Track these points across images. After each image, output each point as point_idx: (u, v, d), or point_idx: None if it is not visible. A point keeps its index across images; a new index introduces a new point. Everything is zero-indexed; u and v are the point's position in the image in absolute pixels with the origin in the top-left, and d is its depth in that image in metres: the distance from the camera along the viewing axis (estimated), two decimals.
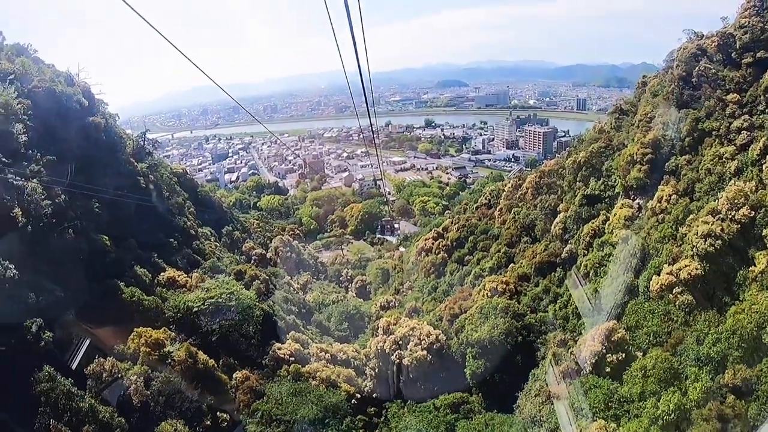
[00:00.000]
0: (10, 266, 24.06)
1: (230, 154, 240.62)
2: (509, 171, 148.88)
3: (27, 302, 24.23)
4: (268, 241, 73.22)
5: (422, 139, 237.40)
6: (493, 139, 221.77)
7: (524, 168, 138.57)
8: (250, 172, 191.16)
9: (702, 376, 20.51)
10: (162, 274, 36.78)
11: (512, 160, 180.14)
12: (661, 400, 20.39)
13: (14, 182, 29.31)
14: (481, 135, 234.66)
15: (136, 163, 47.54)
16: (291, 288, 55.10)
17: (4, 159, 29.64)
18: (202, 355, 27.38)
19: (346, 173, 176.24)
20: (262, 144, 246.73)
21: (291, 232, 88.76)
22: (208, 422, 25.34)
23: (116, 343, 27.74)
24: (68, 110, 40.28)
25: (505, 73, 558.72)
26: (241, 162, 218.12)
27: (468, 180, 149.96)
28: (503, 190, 64.34)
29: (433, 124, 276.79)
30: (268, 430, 26.19)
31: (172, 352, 27.52)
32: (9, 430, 20.21)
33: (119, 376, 24.49)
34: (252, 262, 56.21)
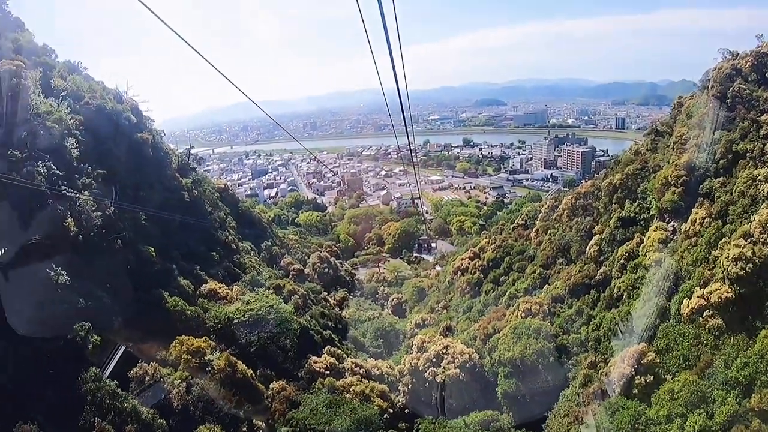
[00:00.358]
0: (62, 272, 26.31)
1: (270, 170, 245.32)
2: (547, 191, 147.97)
3: (77, 307, 26.39)
4: (305, 257, 75.02)
5: (460, 158, 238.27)
6: (531, 159, 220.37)
7: (562, 188, 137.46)
8: (289, 188, 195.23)
9: (729, 400, 20.59)
10: (204, 285, 38.64)
11: (550, 179, 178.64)
12: (687, 423, 20.59)
13: (67, 194, 31.93)
14: (519, 154, 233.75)
15: (181, 178, 50.26)
16: (327, 303, 56.55)
17: (58, 172, 32.31)
18: (240, 365, 28.89)
19: (384, 191, 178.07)
20: (302, 161, 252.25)
21: (328, 249, 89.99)
22: (245, 429, 26.71)
23: (158, 350, 29.69)
24: (118, 126, 42.93)
25: (544, 92, 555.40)
26: (281, 178, 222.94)
27: (505, 200, 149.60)
28: (539, 211, 64.52)
29: (471, 144, 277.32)
30: None
31: (212, 360, 29.16)
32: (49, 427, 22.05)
33: (160, 380, 26.23)
34: (290, 277, 57.88)
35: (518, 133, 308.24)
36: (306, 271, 66.80)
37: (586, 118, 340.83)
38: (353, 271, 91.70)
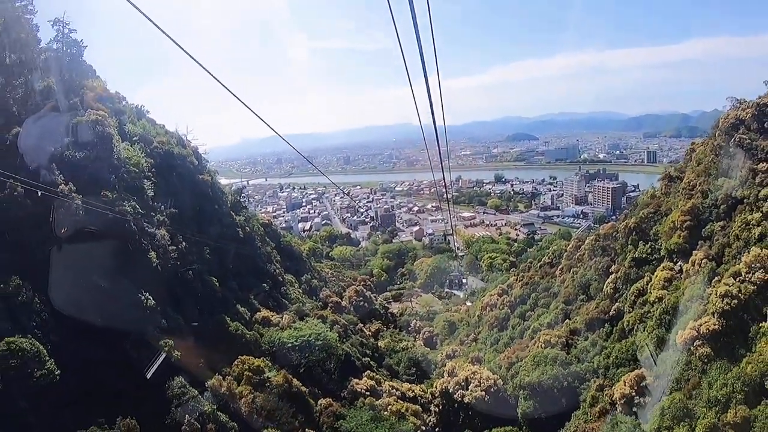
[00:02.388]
0: (149, 297, 32.20)
1: (304, 203, 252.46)
2: (577, 227, 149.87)
3: (160, 326, 32.15)
4: (341, 290, 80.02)
5: (492, 194, 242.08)
6: (562, 195, 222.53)
7: (592, 225, 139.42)
8: (323, 222, 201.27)
9: (709, 415, 24.39)
10: (258, 313, 44.14)
11: (581, 216, 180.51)
12: None
13: (148, 230, 38.07)
14: (550, 191, 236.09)
15: (234, 215, 56.51)
16: (364, 334, 61.21)
17: (140, 210, 38.59)
18: (295, 381, 33.97)
19: (417, 227, 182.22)
20: (335, 195, 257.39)
21: (363, 283, 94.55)
22: None
23: (222, 366, 34.98)
24: (183, 169, 49.11)
25: (576, 125, 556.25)
26: (315, 212, 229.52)
27: (536, 236, 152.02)
28: (565, 250, 68.27)
29: (503, 180, 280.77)
30: None
31: (269, 377, 34.32)
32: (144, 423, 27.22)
33: (230, 390, 31.47)
34: (328, 308, 62.82)
35: (550, 169, 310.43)
36: (343, 303, 71.61)
37: (618, 152, 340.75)
38: (387, 305, 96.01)
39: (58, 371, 25.78)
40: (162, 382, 29.33)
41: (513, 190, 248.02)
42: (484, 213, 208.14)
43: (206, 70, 8.40)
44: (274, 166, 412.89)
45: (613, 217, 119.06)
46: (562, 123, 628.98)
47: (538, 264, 74.02)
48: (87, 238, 31.97)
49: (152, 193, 41.47)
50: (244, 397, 30.52)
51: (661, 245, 43.59)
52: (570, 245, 68.68)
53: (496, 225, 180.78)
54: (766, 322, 27.08)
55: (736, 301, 28.83)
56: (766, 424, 22.86)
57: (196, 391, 28.82)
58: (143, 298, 31.72)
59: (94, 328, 30.09)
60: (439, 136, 10.87)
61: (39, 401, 24.67)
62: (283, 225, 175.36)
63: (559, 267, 63.61)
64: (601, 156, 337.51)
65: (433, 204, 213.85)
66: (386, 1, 6.85)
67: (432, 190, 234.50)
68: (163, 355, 30.11)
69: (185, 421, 26.37)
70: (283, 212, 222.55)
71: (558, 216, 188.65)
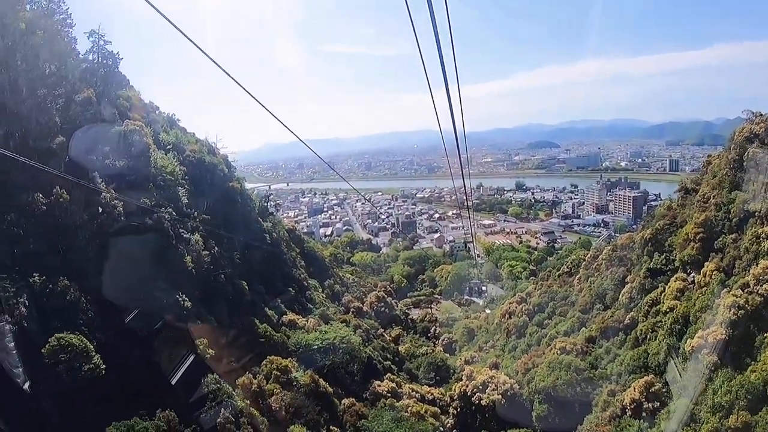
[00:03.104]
0: (186, 299, 34.75)
1: (325, 209, 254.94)
2: (598, 236, 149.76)
3: (196, 327, 34.63)
4: (363, 296, 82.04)
5: (512, 202, 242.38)
6: (583, 204, 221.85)
7: (613, 234, 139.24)
8: (345, 227, 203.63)
9: (712, 420, 25.80)
10: (285, 316, 46.37)
11: (601, 225, 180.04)
12: None
13: (183, 235, 40.65)
14: (571, 199, 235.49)
15: (262, 221, 58.99)
16: (385, 339, 63.15)
17: (176, 216, 41.16)
18: (322, 381, 36.13)
19: (438, 234, 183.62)
20: (356, 201, 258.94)
21: (383, 289, 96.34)
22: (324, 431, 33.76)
23: (251, 365, 37.29)
24: (214, 176, 51.28)
25: (598, 133, 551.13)
26: (336, 217, 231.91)
27: (556, 245, 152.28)
28: (583, 260, 69.40)
29: (524, 187, 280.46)
30: None
31: (296, 377, 36.53)
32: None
33: (260, 388, 33.76)
34: (350, 313, 64.94)
35: (571, 177, 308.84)
36: (364, 308, 73.64)
37: (640, 160, 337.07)
38: (407, 311, 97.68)
39: (104, 366, 28.41)
40: (197, 378, 31.78)
41: (534, 198, 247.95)
42: (504, 221, 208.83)
43: (230, 76, 8.61)
44: (296, 171, 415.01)
45: (634, 226, 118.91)
46: (583, 130, 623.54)
47: (557, 273, 75.17)
48: (127, 243, 34.68)
49: (186, 200, 44.14)
50: (274, 395, 32.71)
51: (675, 256, 44.75)
52: (588, 255, 69.86)
53: (516, 233, 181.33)
54: None
55: (743, 312, 30.10)
56: (766, 430, 24.21)
57: (230, 388, 31.09)
58: (180, 299, 34.29)
59: (134, 327, 32.89)
60: (460, 143, 10.87)
61: (86, 394, 27.25)
62: (305, 230, 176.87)
63: (577, 276, 64.80)
64: (622, 164, 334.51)
65: (454, 211, 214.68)
66: (406, 8, 7.04)
67: (453, 197, 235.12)
68: (198, 353, 32.64)
69: (220, 415, 28.58)
70: (305, 217, 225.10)
71: (578, 224, 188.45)
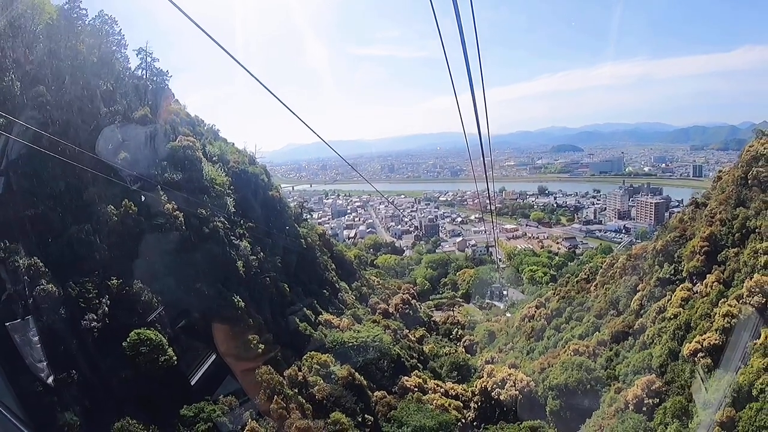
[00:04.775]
0: (240, 300, 39.66)
1: (348, 211, 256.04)
2: (619, 242, 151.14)
3: (248, 324, 39.54)
4: (387, 298, 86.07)
5: (535, 206, 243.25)
6: (605, 209, 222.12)
7: (634, 240, 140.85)
8: (368, 230, 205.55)
9: (701, 414, 29.61)
10: (320, 316, 51.04)
11: (623, 231, 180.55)
12: (668, 428, 29.76)
13: (234, 242, 45.48)
14: (593, 204, 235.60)
15: (297, 227, 63.75)
16: (410, 339, 67.39)
17: (227, 225, 45.96)
18: (357, 375, 40.70)
19: (460, 238, 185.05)
20: (380, 203, 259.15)
21: (407, 291, 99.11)
22: (359, 419, 38.18)
23: (293, 360, 41.99)
24: (255, 185, 56.22)
25: (622, 137, 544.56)
26: (360, 219, 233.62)
27: (577, 250, 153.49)
28: (601, 267, 72.77)
29: (546, 192, 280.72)
30: (398, 431, 38.49)
31: (334, 371, 41.14)
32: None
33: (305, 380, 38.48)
34: (376, 314, 69.09)
35: (594, 182, 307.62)
36: (390, 310, 77.80)
37: (663, 165, 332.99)
38: (430, 313, 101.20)
39: (176, 357, 33.38)
40: (252, 368, 36.64)
41: (556, 202, 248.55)
42: (526, 225, 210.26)
43: (257, 80, 8.95)
44: (319, 172, 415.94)
45: (655, 233, 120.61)
46: (607, 134, 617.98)
47: (575, 279, 78.52)
48: (188, 249, 39.84)
49: (233, 209, 48.90)
50: (317, 386, 37.38)
51: (683, 267, 48.24)
52: (605, 263, 73.21)
53: (538, 238, 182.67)
54: (759, 339, 31.89)
55: (735, 320, 33.77)
56: (748, 424, 27.92)
57: (280, 377, 35.87)
58: (235, 299, 39.26)
59: (196, 323, 37.97)
60: (483, 147, 10.90)
61: (161, 381, 32.14)
62: (329, 232, 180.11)
63: (594, 283, 68.20)
64: (646, 169, 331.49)
65: (477, 215, 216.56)
66: (431, 10, 7.01)
67: (475, 201, 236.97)
68: (251, 347, 37.56)
69: (273, 399, 33.34)
70: (329, 219, 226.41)
71: (600, 230, 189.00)
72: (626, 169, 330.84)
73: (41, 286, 29.04)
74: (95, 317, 30.62)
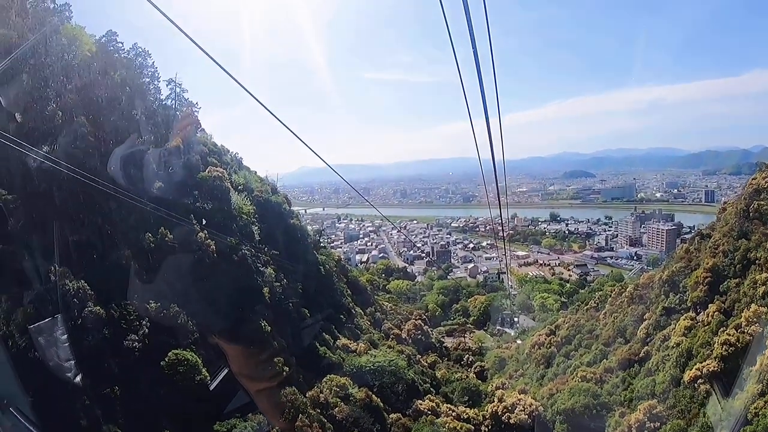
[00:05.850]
0: (266, 324, 42.15)
1: (361, 235, 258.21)
2: (630, 269, 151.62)
3: (272, 346, 41.96)
4: (400, 323, 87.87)
5: (546, 233, 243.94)
6: (617, 236, 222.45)
7: (645, 267, 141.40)
8: (380, 255, 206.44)
9: None
10: (338, 340, 53.34)
11: (634, 258, 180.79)
12: None
13: (260, 269, 48.07)
14: (605, 231, 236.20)
15: (316, 254, 66.39)
16: (422, 364, 69.16)
17: (253, 252, 48.65)
18: (374, 398, 42.82)
19: (472, 264, 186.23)
20: (392, 229, 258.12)
21: (419, 317, 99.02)
22: None
23: (313, 382, 44.18)
24: (279, 214, 59.17)
25: (634, 162, 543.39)
26: (372, 244, 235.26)
27: (588, 277, 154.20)
28: (610, 296, 74.42)
29: (558, 218, 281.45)
30: None
31: (352, 393, 43.28)
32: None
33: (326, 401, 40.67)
34: (390, 339, 71.05)
35: (605, 208, 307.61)
36: (403, 335, 79.67)
37: (676, 190, 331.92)
38: (441, 339, 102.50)
39: (209, 377, 35.90)
40: (269, 388, 38.96)
41: (568, 229, 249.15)
42: (538, 252, 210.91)
43: (267, 109, 8.99)
44: (332, 195, 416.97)
45: (663, 262, 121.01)
46: (619, 159, 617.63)
47: (585, 307, 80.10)
48: (219, 275, 42.59)
49: (258, 237, 51.64)
50: (337, 407, 39.60)
51: (687, 297, 50.06)
52: (614, 291, 74.88)
53: (549, 265, 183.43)
54: (754, 366, 33.75)
55: (733, 348, 35.64)
56: None
57: (304, 398, 38.17)
58: (262, 324, 41.82)
59: (224, 345, 40.41)
60: (497, 173, 10.72)
61: (198, 400, 34.58)
62: (342, 256, 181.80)
63: (603, 311, 69.84)
64: (658, 195, 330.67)
65: (488, 242, 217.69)
66: (448, 35, 7.00)
67: (487, 227, 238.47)
68: (277, 370, 39.96)
69: (298, 419, 35.60)
70: (341, 243, 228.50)
71: (612, 257, 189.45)
72: (638, 195, 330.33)
73: (89, 308, 31.83)
74: (136, 338, 33.35)
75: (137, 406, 31.53)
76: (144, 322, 34.81)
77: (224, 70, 7.54)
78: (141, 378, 32.19)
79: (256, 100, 8.74)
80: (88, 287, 32.31)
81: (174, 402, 33.08)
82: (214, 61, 7.23)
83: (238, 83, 8.07)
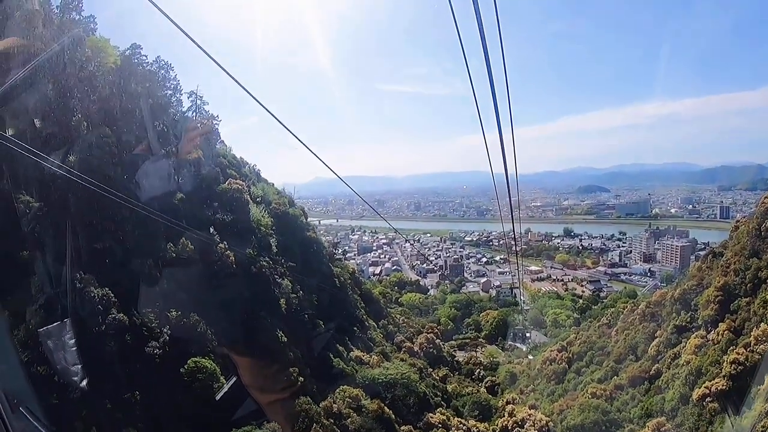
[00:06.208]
0: (282, 335, 43.19)
1: (374, 248, 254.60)
2: (644, 286, 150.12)
3: (288, 356, 42.98)
4: (412, 336, 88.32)
5: (560, 248, 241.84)
6: (631, 252, 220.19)
7: (659, 284, 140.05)
8: (393, 267, 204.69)
9: None
10: (352, 352, 54.22)
11: (648, 274, 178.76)
12: None
13: (277, 281, 49.15)
14: (618, 247, 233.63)
15: (332, 266, 67.46)
16: (433, 378, 69.66)
17: (271, 264, 49.74)
18: (386, 409, 43.62)
19: (484, 279, 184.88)
20: (405, 241, 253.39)
21: (431, 330, 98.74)
22: None
23: (326, 392, 45.05)
24: (295, 227, 60.15)
25: (649, 177, 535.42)
26: (385, 257, 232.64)
27: (601, 293, 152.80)
28: (622, 313, 74.52)
29: (572, 234, 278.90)
30: None
31: (365, 404, 44.11)
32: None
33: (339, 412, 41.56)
34: (402, 352, 71.67)
35: (619, 224, 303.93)
36: (415, 348, 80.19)
37: (690, 206, 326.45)
38: (453, 353, 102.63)
39: (227, 386, 36.99)
40: (282, 398, 39.93)
41: (581, 245, 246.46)
42: (551, 267, 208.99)
43: (280, 121, 9.15)
44: (346, 207, 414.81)
45: (675, 279, 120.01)
46: (634, 174, 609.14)
47: (598, 324, 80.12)
48: (238, 286, 43.80)
49: (275, 249, 52.78)
50: (350, 418, 40.47)
51: (699, 315, 50.30)
52: (626, 308, 74.96)
53: (562, 280, 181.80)
54: (762, 386, 34.09)
55: (741, 367, 36.00)
56: None
57: (317, 408, 39.11)
58: (279, 334, 42.94)
59: (242, 354, 41.55)
60: (510, 187, 10.63)
61: (215, 407, 35.70)
62: (355, 267, 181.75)
63: (615, 328, 69.96)
64: (672, 211, 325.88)
65: (502, 256, 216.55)
66: (461, 49, 7.00)
67: (501, 242, 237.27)
68: (292, 380, 41.00)
69: (311, 428, 36.55)
70: (355, 255, 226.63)
71: (625, 273, 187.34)
72: (653, 211, 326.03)
73: (113, 315, 33.13)
74: (157, 345, 34.58)
75: (156, 411, 32.76)
76: (165, 330, 36.00)
77: (240, 85, 8.09)
78: (161, 384, 33.41)
79: (271, 114, 9.19)
80: (112, 294, 33.54)
81: (192, 408, 34.22)
82: (230, 76, 7.82)
83: (255, 99, 8.54)
